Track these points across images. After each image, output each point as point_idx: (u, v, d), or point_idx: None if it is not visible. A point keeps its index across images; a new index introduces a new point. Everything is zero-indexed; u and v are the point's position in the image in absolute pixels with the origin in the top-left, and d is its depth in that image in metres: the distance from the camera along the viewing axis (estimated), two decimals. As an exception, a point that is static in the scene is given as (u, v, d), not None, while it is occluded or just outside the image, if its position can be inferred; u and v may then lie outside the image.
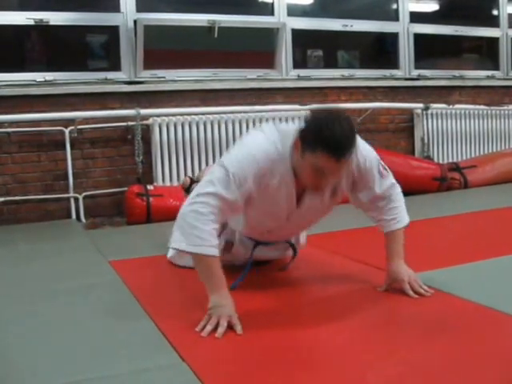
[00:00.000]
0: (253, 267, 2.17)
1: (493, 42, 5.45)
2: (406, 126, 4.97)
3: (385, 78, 4.91)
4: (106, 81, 3.97)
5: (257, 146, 1.82)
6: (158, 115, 3.99)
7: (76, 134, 3.81)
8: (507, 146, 5.31)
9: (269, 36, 4.34)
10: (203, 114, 4.10)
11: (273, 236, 2.17)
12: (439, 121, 4.99)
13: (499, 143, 5.29)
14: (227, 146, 4.16)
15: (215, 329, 1.65)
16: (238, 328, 1.66)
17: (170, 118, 4.02)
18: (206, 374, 1.40)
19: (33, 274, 2.47)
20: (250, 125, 4.23)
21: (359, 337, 1.63)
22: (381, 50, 5.14)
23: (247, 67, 4.36)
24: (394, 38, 4.96)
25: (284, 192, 1.88)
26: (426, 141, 4.91)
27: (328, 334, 1.67)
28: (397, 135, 4.94)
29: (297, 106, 4.40)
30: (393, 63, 4.98)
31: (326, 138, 1.66)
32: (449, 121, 5.03)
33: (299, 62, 4.66)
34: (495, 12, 5.46)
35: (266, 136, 1.84)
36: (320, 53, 4.79)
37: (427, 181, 4.37)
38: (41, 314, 1.92)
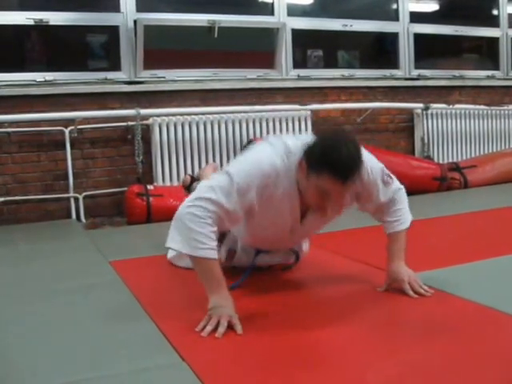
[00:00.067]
0: (253, 271, 2.18)
1: (493, 42, 5.45)
2: (406, 126, 4.97)
3: (385, 77, 4.91)
4: (105, 81, 3.97)
5: (264, 158, 1.81)
6: (158, 115, 3.99)
7: (76, 134, 3.81)
8: (507, 146, 5.31)
9: (269, 36, 4.34)
10: (203, 113, 4.10)
11: (275, 246, 2.19)
12: (439, 121, 4.99)
13: (499, 143, 5.29)
14: (227, 146, 4.17)
15: (215, 329, 1.65)
16: (238, 328, 1.66)
17: (170, 117, 4.02)
18: (206, 374, 1.40)
19: (33, 273, 2.47)
20: (250, 125, 4.23)
21: (359, 337, 1.63)
22: (381, 50, 5.14)
23: (247, 67, 4.36)
24: (393, 37, 4.96)
25: (288, 205, 1.87)
26: (425, 141, 4.91)
27: (328, 333, 1.67)
28: (397, 135, 4.94)
29: (297, 106, 4.40)
30: (393, 63, 4.98)
31: (332, 161, 1.64)
32: (449, 121, 5.03)
33: (299, 62, 4.65)
34: (495, 12, 5.46)
35: (273, 149, 1.84)
36: (320, 53, 4.79)
37: (427, 181, 4.37)
38: (41, 313, 1.92)
